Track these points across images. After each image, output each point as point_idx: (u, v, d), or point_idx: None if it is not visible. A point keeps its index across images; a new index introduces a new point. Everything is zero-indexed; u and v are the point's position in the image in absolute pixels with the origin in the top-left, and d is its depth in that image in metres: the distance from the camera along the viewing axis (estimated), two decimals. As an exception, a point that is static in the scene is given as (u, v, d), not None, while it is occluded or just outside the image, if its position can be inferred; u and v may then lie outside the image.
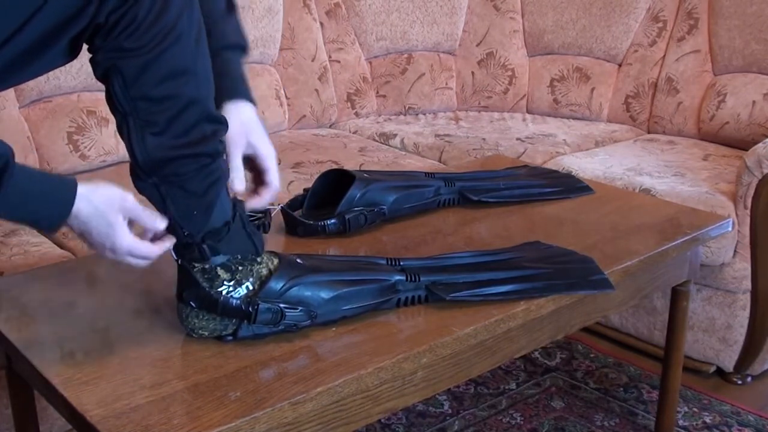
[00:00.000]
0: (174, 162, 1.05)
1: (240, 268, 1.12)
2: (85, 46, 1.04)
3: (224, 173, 1.12)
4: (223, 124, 1.10)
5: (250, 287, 1.12)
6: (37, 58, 1.01)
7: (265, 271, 1.14)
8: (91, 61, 1.04)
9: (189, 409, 0.97)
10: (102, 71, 1.03)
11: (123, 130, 1.05)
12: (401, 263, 1.29)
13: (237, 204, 1.14)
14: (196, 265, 1.11)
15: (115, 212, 1.05)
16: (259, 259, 1.14)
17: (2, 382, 1.41)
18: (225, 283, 1.10)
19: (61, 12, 0.97)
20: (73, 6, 0.97)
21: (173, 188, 1.07)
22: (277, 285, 1.12)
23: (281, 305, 1.11)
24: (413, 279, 1.24)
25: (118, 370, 1.05)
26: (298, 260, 1.19)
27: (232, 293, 1.10)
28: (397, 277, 1.23)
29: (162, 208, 1.09)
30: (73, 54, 1.04)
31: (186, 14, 1.03)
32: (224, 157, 1.14)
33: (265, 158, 1.26)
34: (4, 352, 1.19)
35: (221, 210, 1.10)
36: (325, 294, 1.15)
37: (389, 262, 1.28)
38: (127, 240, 1.06)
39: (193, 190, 1.08)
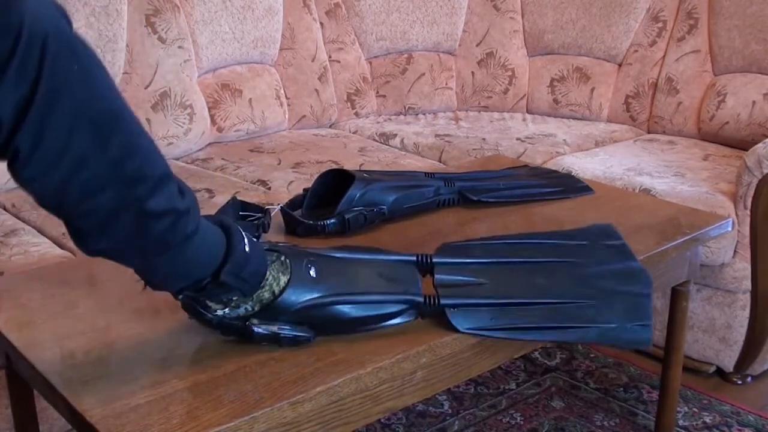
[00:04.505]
0: (125, 251, 0.97)
1: (234, 298, 1.06)
2: None
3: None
4: (178, 210, 0.96)
5: (249, 309, 1.07)
6: None
7: (267, 295, 1.07)
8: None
9: (188, 408, 0.97)
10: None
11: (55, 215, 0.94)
12: (433, 259, 1.24)
13: (228, 259, 1.02)
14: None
15: None
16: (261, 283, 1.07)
17: (2, 382, 1.41)
18: (219, 311, 1.07)
19: None
20: None
21: (136, 263, 1.01)
22: (293, 297, 1.07)
23: (279, 330, 1.07)
24: (432, 303, 1.17)
25: (118, 370, 1.06)
26: (311, 273, 1.10)
27: (229, 314, 1.07)
28: (415, 298, 1.16)
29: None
30: None
31: (82, 124, 0.87)
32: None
33: None
34: (4, 352, 1.18)
35: (195, 269, 1.02)
36: (340, 317, 1.11)
37: (419, 260, 1.23)
38: None
39: (165, 261, 0.99)
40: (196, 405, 0.98)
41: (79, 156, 0.87)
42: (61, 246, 1.70)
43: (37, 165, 0.86)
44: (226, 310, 1.07)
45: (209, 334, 1.13)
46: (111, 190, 0.90)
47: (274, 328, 1.07)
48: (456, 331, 1.16)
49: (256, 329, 1.06)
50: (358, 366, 1.07)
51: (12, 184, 1.98)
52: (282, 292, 1.07)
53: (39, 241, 1.70)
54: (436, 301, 1.18)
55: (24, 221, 1.82)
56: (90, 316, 1.20)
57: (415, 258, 1.24)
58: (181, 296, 1.05)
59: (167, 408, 0.97)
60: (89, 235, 0.93)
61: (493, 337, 1.19)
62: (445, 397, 1.94)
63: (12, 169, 0.87)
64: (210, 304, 1.06)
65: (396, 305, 1.14)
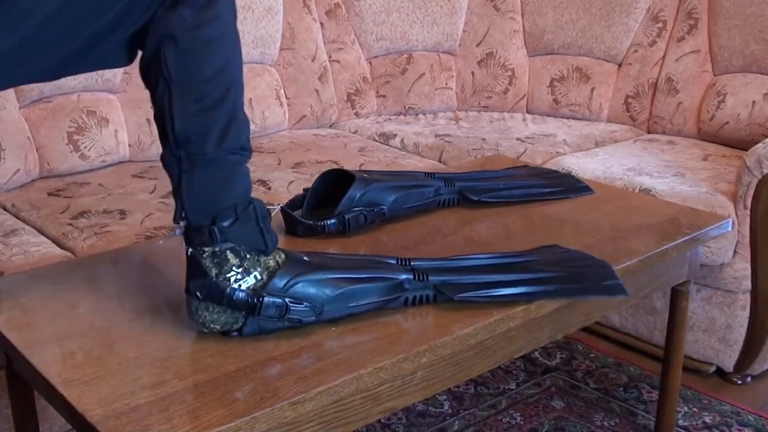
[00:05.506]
0: (206, 140, 1.10)
1: (248, 256, 1.12)
2: None
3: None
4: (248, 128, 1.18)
5: (258, 277, 1.12)
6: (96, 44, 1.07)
7: (272, 263, 1.14)
8: (141, 33, 1.09)
9: (189, 408, 0.97)
10: (157, 38, 1.06)
11: (164, 97, 1.08)
12: (411, 263, 1.28)
13: (254, 199, 1.16)
14: (206, 249, 1.10)
15: None
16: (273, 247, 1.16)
17: (2, 382, 1.41)
18: (234, 269, 1.10)
19: None
20: None
21: (194, 168, 1.10)
22: (281, 281, 1.12)
23: (286, 300, 1.11)
24: (421, 278, 1.23)
25: (118, 370, 1.06)
26: (305, 257, 1.18)
27: (241, 282, 1.10)
28: (405, 276, 1.22)
29: (176, 186, 1.12)
30: (131, 52, 1.11)
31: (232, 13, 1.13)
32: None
33: None
34: (4, 352, 1.19)
35: (234, 193, 1.13)
36: (329, 291, 1.15)
37: (399, 262, 1.28)
38: None
39: (214, 172, 1.11)
40: (196, 405, 0.98)
41: (230, 27, 1.11)
42: (61, 246, 1.70)
43: (211, 10, 1.07)
44: (239, 274, 1.10)
45: (209, 334, 1.13)
46: (235, 63, 1.12)
47: (283, 300, 1.12)
48: (449, 300, 1.22)
49: (266, 299, 1.10)
50: (359, 366, 1.07)
51: (12, 184, 1.99)
52: (282, 264, 1.14)
53: (39, 241, 1.70)
54: (425, 276, 1.24)
55: (24, 221, 1.82)
56: (90, 316, 1.20)
57: (395, 261, 1.29)
58: (216, 226, 1.11)
59: (167, 408, 0.97)
60: (200, 111, 1.09)
61: (485, 301, 1.23)
62: (445, 397, 1.94)
63: (172, 10, 1.06)
64: (230, 256, 1.10)
65: (385, 282, 1.20)
